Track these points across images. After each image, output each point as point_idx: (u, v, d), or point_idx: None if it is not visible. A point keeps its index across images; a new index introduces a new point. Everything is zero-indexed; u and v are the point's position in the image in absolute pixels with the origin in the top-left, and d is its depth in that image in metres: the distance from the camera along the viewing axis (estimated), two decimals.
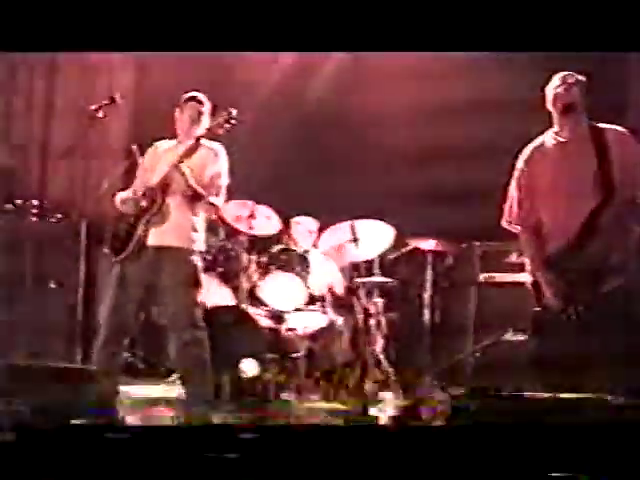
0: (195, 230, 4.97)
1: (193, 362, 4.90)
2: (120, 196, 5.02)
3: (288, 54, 7.05)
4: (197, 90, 5.06)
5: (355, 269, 6.58)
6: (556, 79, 4.25)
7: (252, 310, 6.06)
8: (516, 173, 4.36)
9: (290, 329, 6.11)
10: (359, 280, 6.48)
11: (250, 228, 6.30)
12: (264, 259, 6.25)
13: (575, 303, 3.99)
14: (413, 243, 6.64)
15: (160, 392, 5.59)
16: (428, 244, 6.60)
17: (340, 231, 6.37)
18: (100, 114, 4.86)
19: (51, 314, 6.04)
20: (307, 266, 6.26)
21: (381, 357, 6.30)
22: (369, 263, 6.58)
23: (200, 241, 5.01)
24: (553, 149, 4.25)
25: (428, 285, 6.72)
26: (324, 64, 7.20)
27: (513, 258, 5.99)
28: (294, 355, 6.03)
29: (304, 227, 6.56)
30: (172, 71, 6.84)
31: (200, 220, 5.02)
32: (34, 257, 6.14)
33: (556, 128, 4.26)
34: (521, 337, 5.57)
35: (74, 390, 3.70)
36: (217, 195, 4.97)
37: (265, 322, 6.09)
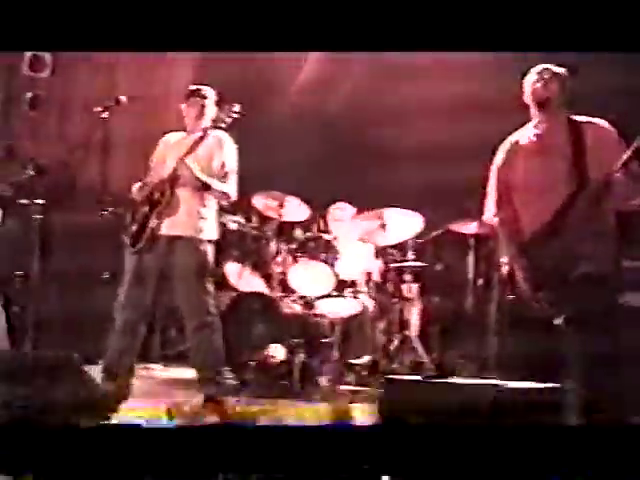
0: (204, 219, 5.13)
1: (204, 346, 5.08)
2: (135, 187, 5.22)
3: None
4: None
5: (390, 254, 6.59)
6: (533, 73, 4.23)
7: (282, 296, 6.19)
8: (493, 168, 4.36)
9: (321, 315, 6.20)
10: (393, 265, 6.51)
11: (280, 215, 6.42)
12: (293, 246, 6.35)
13: (545, 288, 3.96)
14: (455, 228, 6.60)
15: (177, 374, 5.77)
16: (469, 228, 6.55)
17: (368, 218, 6.40)
18: (105, 115, 5.05)
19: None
20: (337, 252, 6.33)
21: (416, 342, 6.32)
22: (404, 248, 6.59)
23: (210, 230, 5.17)
24: (529, 143, 4.24)
25: (470, 269, 6.71)
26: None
27: None
28: (326, 340, 6.12)
29: (342, 213, 6.63)
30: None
31: (210, 210, 5.18)
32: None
33: (533, 122, 4.25)
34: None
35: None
36: (225, 182, 5.11)
37: (296, 308, 6.21)
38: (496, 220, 4.33)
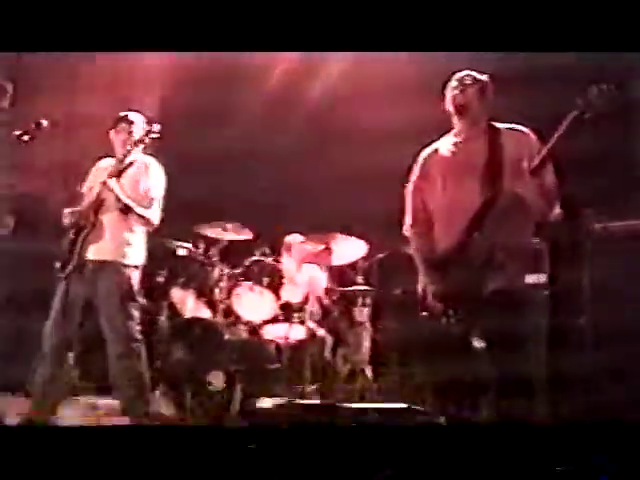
0: (130, 245, 5.09)
1: (127, 374, 5.00)
2: (65, 212, 5.19)
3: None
4: None
5: (338, 278, 6.51)
6: (453, 80, 4.15)
7: (226, 322, 6.12)
8: (412, 178, 4.26)
9: (268, 340, 6.12)
10: (340, 289, 6.43)
11: (223, 238, 6.40)
12: (236, 271, 6.29)
13: (455, 305, 3.85)
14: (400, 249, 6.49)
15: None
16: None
17: (315, 242, 6.32)
18: (25, 138, 5.03)
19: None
20: (282, 277, 6.26)
21: (365, 367, 6.22)
22: (353, 271, 6.51)
23: (136, 255, 5.13)
24: (447, 151, 4.16)
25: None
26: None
27: None
28: (272, 366, 6.04)
29: (290, 238, 6.56)
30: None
31: (136, 235, 5.14)
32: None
33: (454, 131, 4.16)
34: None
35: None
36: (149, 207, 5.07)
37: (241, 334, 6.14)
38: (410, 234, 4.25)
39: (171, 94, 6.76)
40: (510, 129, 4.06)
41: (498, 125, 4.10)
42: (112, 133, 5.22)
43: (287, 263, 6.42)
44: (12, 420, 4.92)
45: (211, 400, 5.67)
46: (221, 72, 6.43)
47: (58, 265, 5.09)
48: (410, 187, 4.26)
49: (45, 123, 5.06)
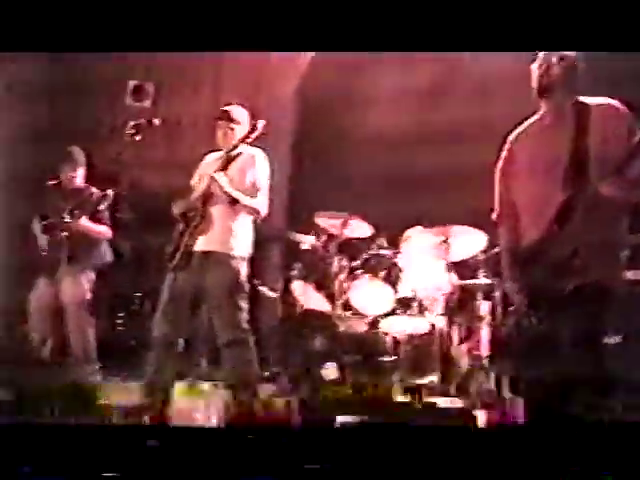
0: (237, 236, 5.24)
1: (235, 362, 5.15)
2: (174, 206, 5.40)
3: None
4: None
5: (458, 271, 6.40)
6: (539, 59, 3.96)
7: (343, 314, 6.18)
8: (500, 163, 4.11)
9: (384, 333, 6.14)
10: (461, 282, 6.32)
11: (342, 234, 6.43)
12: (355, 264, 6.32)
13: (536, 303, 3.70)
14: None
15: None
16: None
17: (433, 234, 6.25)
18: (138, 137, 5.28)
19: None
20: (400, 270, 6.24)
21: (486, 363, 6.09)
22: (474, 264, 6.38)
23: (242, 246, 5.26)
24: (533, 133, 3.97)
25: None
26: None
27: None
28: (386, 359, 6.05)
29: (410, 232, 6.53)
30: None
31: (242, 226, 5.28)
32: None
33: (540, 110, 3.98)
34: None
35: None
36: (256, 197, 5.20)
37: (358, 326, 6.18)
38: (498, 223, 4.12)
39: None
40: (598, 104, 3.80)
41: (587, 101, 3.83)
42: (217, 127, 5.37)
43: (406, 256, 6.38)
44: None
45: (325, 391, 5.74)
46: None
47: (167, 256, 5.34)
48: (497, 173, 4.11)
49: (157, 121, 5.30)
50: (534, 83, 3.92)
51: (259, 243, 5.60)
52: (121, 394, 4.92)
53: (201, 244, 5.21)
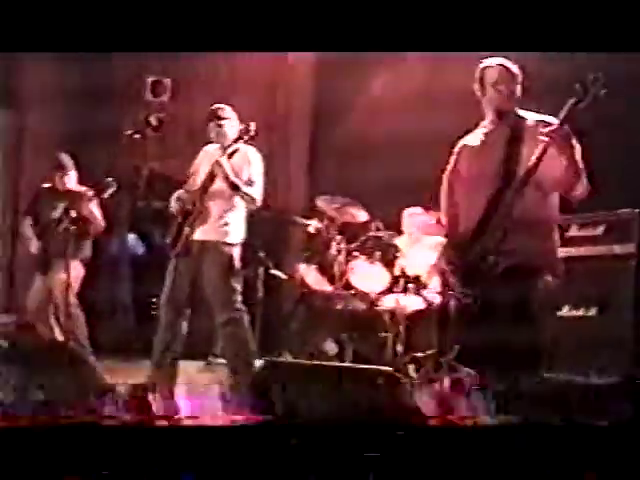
0: (231, 224, 5.67)
1: (231, 340, 5.60)
2: (173, 198, 5.83)
3: None
4: None
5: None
6: (486, 73, 4.30)
7: (344, 293, 6.56)
8: (448, 167, 4.51)
9: (384, 311, 6.50)
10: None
11: (341, 217, 6.80)
12: (353, 246, 6.68)
13: (469, 282, 4.08)
14: None
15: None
16: None
17: (421, 214, 6.58)
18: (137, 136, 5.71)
19: None
20: (397, 249, 6.57)
21: None
22: None
23: (236, 234, 5.70)
24: (478, 140, 4.36)
25: None
26: None
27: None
28: (383, 334, 6.42)
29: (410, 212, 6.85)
30: None
31: (238, 215, 5.71)
32: None
33: (485, 120, 4.36)
34: None
35: None
36: (251, 186, 5.62)
37: (358, 304, 6.56)
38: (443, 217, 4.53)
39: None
40: (532, 119, 4.21)
41: (523, 114, 4.26)
42: (208, 128, 5.76)
43: (404, 235, 6.71)
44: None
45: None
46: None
47: (168, 244, 5.78)
48: (445, 176, 4.49)
49: (154, 122, 5.72)
50: (477, 92, 4.28)
51: (273, 228, 5.99)
52: (126, 375, 5.41)
53: (199, 234, 5.64)
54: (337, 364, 5.61)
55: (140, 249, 8.15)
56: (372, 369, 4.31)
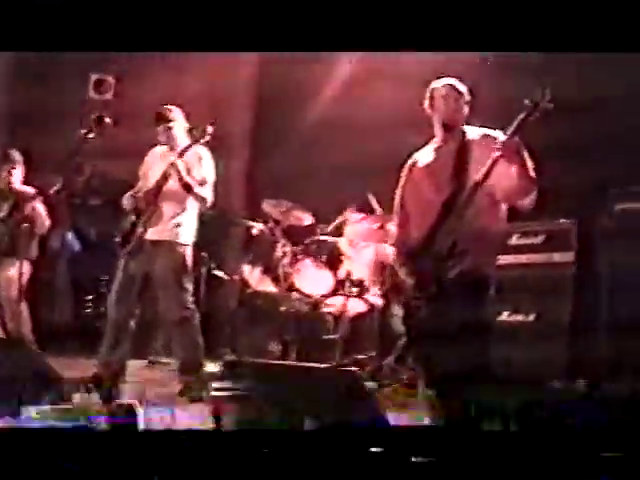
0: (183, 225, 5.75)
1: (182, 339, 5.66)
2: (125, 197, 5.86)
3: None
4: None
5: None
6: (435, 90, 4.46)
7: (288, 295, 6.66)
8: (401, 180, 4.64)
9: (327, 313, 6.62)
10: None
11: (287, 221, 6.92)
12: (298, 249, 6.78)
13: (424, 289, 4.22)
14: None
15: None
16: None
17: (370, 221, 6.71)
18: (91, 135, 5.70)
19: None
20: (340, 253, 6.70)
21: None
22: None
23: (188, 234, 5.78)
24: (429, 154, 4.52)
25: None
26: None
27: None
28: (327, 337, 6.54)
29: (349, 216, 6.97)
30: None
31: (189, 216, 5.78)
32: None
33: (436, 137, 4.51)
34: None
35: None
36: (203, 186, 5.69)
37: (301, 307, 6.66)
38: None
39: None
40: (476, 132, 4.38)
41: (469, 129, 4.42)
42: (159, 127, 5.81)
43: (346, 240, 6.84)
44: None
45: None
46: None
47: (119, 243, 5.80)
48: (399, 187, 4.63)
49: (108, 120, 5.73)
50: (434, 113, 4.44)
51: (216, 229, 6.05)
52: (73, 369, 5.43)
53: (152, 234, 5.70)
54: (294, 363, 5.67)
55: (77, 246, 8.05)
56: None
